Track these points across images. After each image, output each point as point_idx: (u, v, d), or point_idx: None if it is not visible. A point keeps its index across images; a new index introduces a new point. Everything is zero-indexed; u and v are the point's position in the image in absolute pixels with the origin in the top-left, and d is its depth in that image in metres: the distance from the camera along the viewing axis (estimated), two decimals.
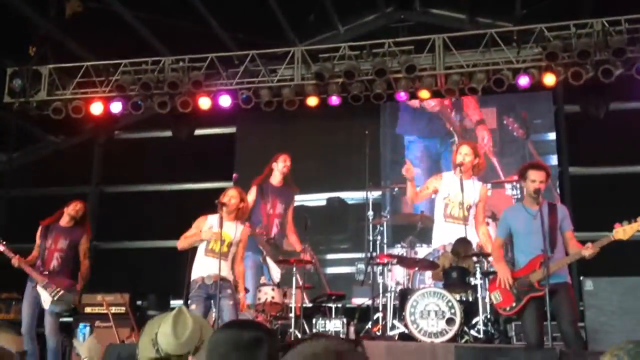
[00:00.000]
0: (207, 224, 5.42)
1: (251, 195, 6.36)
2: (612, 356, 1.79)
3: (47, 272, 5.78)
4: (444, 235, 5.73)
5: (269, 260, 6.20)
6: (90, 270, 6.02)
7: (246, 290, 5.65)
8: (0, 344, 2.58)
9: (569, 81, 6.72)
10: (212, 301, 5.24)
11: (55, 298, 5.66)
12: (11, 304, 6.74)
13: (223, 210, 5.30)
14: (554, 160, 8.27)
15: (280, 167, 6.42)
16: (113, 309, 6.25)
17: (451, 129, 8.72)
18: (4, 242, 5.81)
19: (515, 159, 8.18)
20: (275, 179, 6.47)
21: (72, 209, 6.00)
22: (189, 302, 5.30)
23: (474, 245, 5.49)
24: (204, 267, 5.27)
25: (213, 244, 5.29)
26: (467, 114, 8.78)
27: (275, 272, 6.14)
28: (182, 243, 5.45)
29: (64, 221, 6.01)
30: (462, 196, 5.54)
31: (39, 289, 5.68)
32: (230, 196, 5.42)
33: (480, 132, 8.61)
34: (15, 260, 5.71)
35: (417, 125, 8.90)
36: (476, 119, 8.74)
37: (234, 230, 5.36)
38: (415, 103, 8.73)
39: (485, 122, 8.66)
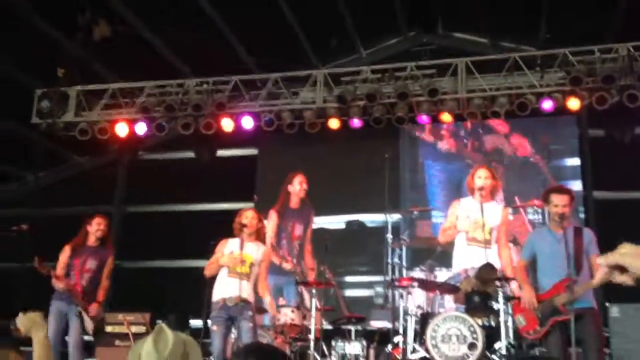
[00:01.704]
0: (228, 247, 5.44)
1: (272, 221, 6.35)
2: None
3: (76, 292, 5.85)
4: (465, 258, 5.65)
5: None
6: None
7: (265, 311, 5.64)
8: None
9: (593, 106, 6.67)
10: (232, 322, 5.23)
11: (95, 323, 5.83)
12: None
13: (244, 231, 5.33)
14: (575, 185, 8.15)
15: (297, 190, 6.39)
16: (133, 329, 6.26)
17: (470, 162, 8.64)
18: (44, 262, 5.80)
19: (534, 183, 8.09)
20: (293, 201, 6.45)
21: (96, 229, 6.00)
22: (210, 322, 5.31)
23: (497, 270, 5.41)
24: (225, 289, 5.28)
25: (238, 266, 5.30)
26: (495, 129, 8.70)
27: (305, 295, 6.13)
28: (207, 271, 5.47)
29: (91, 241, 6.03)
30: (483, 220, 5.48)
31: (83, 314, 5.79)
32: (250, 217, 5.47)
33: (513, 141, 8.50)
34: (63, 285, 5.74)
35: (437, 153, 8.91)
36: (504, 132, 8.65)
37: (255, 251, 5.40)
38: (430, 139, 8.77)
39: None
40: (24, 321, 2.64)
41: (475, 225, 5.55)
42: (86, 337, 6.22)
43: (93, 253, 6.00)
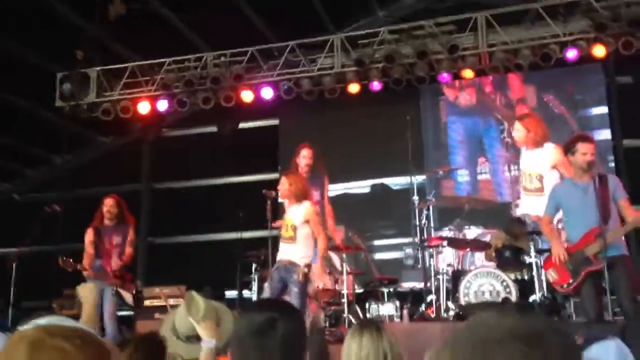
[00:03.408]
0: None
1: None
2: None
3: (112, 271, 6.02)
4: (525, 208, 5.63)
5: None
6: (132, 257, 6.18)
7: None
8: None
9: (619, 52, 6.50)
10: (285, 286, 5.34)
11: (133, 294, 6.01)
12: (74, 300, 6.98)
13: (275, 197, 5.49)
14: (603, 134, 8.00)
15: (302, 163, 6.42)
16: (171, 301, 6.40)
17: (499, 116, 8.52)
18: (71, 261, 5.89)
19: (561, 135, 7.94)
20: (303, 171, 6.48)
21: (106, 210, 6.12)
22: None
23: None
24: (280, 252, 5.47)
25: (283, 231, 5.46)
26: (511, 91, 8.56)
27: (336, 260, 6.21)
28: None
29: (107, 221, 6.16)
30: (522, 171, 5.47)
31: (120, 290, 5.95)
32: (280, 184, 5.54)
33: (519, 110, 8.39)
34: (92, 274, 5.89)
35: (457, 109, 8.79)
36: (518, 97, 8.50)
37: (295, 213, 5.44)
38: (451, 96, 8.65)
39: (526, 101, 8.43)
40: (83, 290, 2.88)
41: (525, 171, 5.59)
42: (126, 312, 6.41)
43: (115, 230, 6.14)
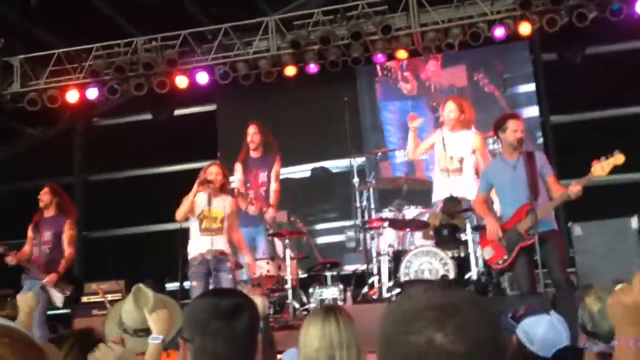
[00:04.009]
0: (200, 198, 5.46)
1: (238, 172, 6.37)
2: (595, 298, 1.81)
3: (38, 266, 5.74)
4: (440, 188, 5.72)
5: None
6: (74, 258, 5.93)
7: (240, 266, 5.68)
8: None
9: (544, 29, 6.71)
10: (212, 276, 5.33)
11: (67, 294, 5.74)
12: (6, 300, 6.69)
13: (210, 187, 5.35)
14: (532, 111, 8.24)
15: (249, 140, 6.37)
16: (109, 297, 6.24)
17: (434, 104, 8.62)
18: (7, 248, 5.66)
19: (491, 114, 8.14)
20: (252, 150, 6.44)
21: (41, 200, 5.88)
22: (189, 279, 5.37)
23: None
24: (202, 245, 5.37)
25: (206, 223, 5.37)
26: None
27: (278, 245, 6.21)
28: (178, 213, 5.52)
29: (45, 213, 5.93)
30: (446, 150, 5.60)
31: (48, 288, 5.66)
32: (215, 173, 5.48)
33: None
34: (13, 259, 5.64)
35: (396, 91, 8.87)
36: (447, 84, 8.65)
37: (222, 206, 5.45)
38: (392, 83, 8.73)
39: (455, 86, 8.59)
40: (21, 299, 2.74)
41: (444, 155, 5.66)
42: (63, 311, 6.19)
43: (48, 224, 5.88)
